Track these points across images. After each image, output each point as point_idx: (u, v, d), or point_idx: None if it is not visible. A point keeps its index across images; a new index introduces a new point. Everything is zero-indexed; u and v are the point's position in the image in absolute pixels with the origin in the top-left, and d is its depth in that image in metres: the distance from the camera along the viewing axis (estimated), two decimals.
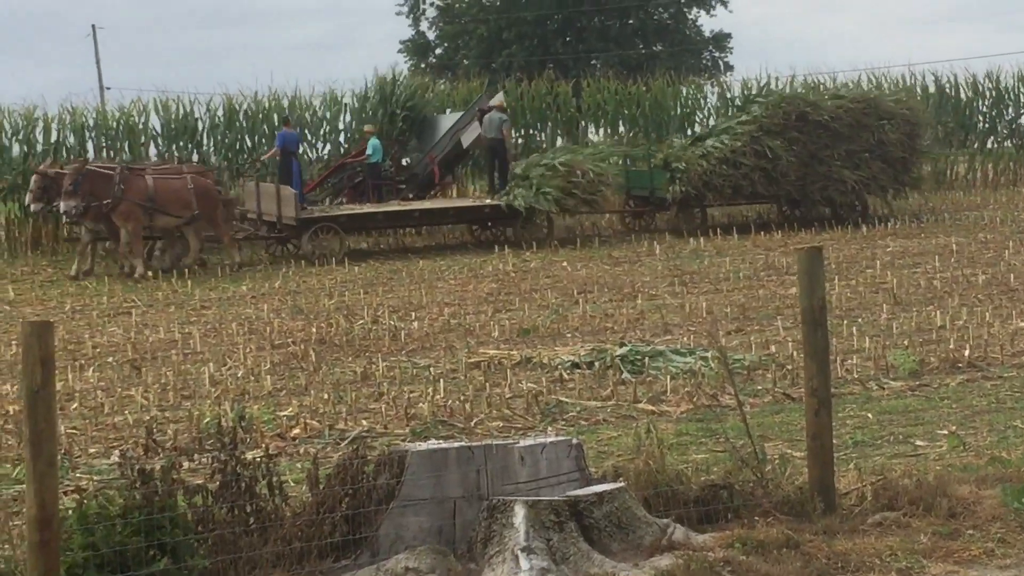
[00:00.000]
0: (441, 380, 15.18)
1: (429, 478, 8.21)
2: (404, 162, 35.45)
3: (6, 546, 8.00)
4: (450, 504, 8.24)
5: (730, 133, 33.19)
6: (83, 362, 17.48)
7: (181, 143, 37.38)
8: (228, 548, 7.92)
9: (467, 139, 34.77)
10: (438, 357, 17.03)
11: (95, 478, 11.22)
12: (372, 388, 15.10)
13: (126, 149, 36.05)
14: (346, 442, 12.22)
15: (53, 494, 7.11)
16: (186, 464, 8.89)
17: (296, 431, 13.06)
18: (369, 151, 34.17)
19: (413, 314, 20.84)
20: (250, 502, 8.18)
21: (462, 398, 14.16)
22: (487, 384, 15.00)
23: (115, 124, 36.99)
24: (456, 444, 8.71)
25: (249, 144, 38.04)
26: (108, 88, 72.41)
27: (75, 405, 14.71)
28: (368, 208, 32.24)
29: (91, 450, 12.64)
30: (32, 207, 29.44)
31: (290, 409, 14.01)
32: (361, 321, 20.18)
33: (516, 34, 64.45)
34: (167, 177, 28.62)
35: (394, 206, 32.39)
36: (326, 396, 14.47)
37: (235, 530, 8.02)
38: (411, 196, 34.04)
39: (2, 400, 14.93)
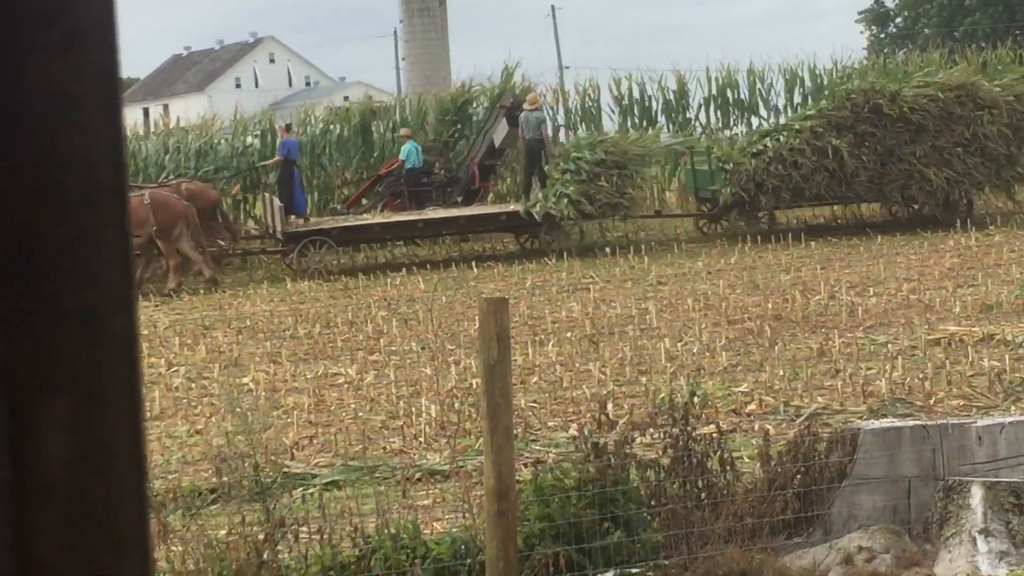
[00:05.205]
0: (899, 357, 14.89)
1: (882, 456, 8.09)
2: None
3: (467, 515, 8.26)
4: (904, 483, 8.11)
5: (787, 130, 29.88)
6: (543, 337, 17.90)
7: (637, 120, 37.86)
8: (679, 523, 7.99)
9: (498, 138, 32.46)
10: (896, 333, 16.70)
11: (552, 451, 11.49)
12: (828, 365, 14.96)
13: (582, 127, 36.66)
14: (801, 419, 12.12)
15: (509, 466, 7.30)
16: (639, 439, 8.97)
17: (751, 407, 13.07)
18: (402, 156, 32.53)
19: (871, 290, 20.51)
20: (701, 477, 8.24)
21: (921, 376, 13.86)
22: (947, 361, 14.64)
23: (572, 103, 37.81)
24: (910, 423, 8.56)
25: (703, 122, 38.20)
26: (567, 67, 73.86)
27: (535, 379, 15.10)
28: (362, 220, 30.24)
29: (550, 423, 12.96)
30: None
31: (745, 385, 14.03)
32: (817, 297, 19.98)
33: (980, 1, 62.60)
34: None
35: (393, 217, 30.28)
36: (781, 372, 14.40)
37: (687, 505, 8.09)
38: (458, 200, 31.98)
39: (466, 374, 15.45)
